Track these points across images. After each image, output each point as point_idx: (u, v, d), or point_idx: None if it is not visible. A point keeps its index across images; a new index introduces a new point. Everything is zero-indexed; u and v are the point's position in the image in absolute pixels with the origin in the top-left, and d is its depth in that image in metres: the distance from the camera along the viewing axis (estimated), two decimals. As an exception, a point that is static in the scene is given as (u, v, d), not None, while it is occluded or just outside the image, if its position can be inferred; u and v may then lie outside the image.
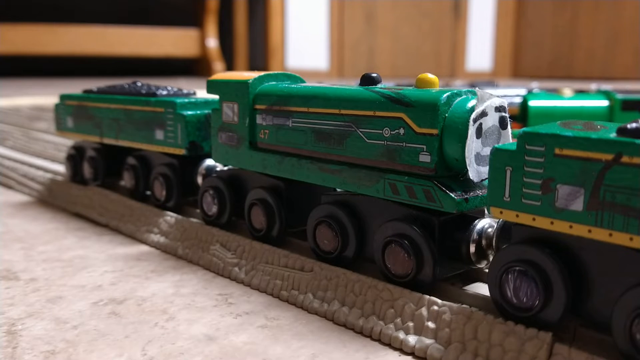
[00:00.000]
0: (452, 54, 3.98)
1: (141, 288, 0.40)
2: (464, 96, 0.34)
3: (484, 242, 0.34)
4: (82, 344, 0.32)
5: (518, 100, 0.84)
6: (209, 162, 0.52)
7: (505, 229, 0.33)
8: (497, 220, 0.34)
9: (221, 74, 0.47)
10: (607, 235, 0.26)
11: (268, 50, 3.45)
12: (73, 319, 0.36)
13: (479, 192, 0.34)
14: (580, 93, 0.84)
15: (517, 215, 0.29)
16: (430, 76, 0.36)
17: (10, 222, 0.57)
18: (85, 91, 0.63)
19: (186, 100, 0.52)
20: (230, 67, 3.42)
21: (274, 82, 0.45)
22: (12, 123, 1.31)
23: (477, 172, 0.33)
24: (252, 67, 3.50)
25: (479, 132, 0.33)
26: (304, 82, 0.46)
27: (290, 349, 0.32)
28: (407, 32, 3.83)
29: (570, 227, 0.27)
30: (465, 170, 0.33)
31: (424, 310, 0.32)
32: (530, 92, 0.89)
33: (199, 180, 0.52)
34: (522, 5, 3.99)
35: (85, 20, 3.05)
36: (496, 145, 0.30)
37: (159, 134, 0.53)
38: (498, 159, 0.30)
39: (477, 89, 0.34)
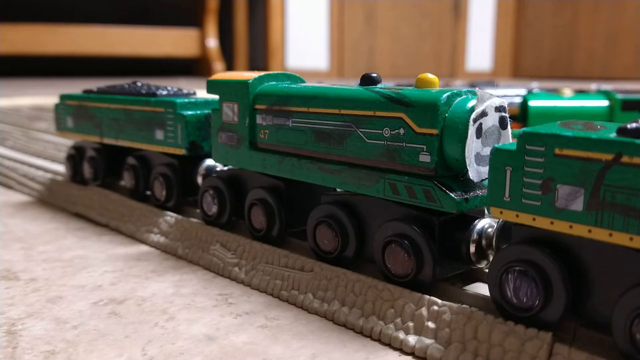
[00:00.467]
0: (452, 54, 3.98)
1: (141, 288, 0.40)
2: (464, 96, 0.34)
3: (484, 242, 0.34)
4: (82, 344, 0.32)
5: (518, 100, 0.84)
6: (209, 162, 0.52)
7: (505, 229, 0.33)
8: (497, 220, 0.34)
9: (221, 74, 0.47)
10: (607, 235, 0.26)
11: (268, 50, 3.45)
12: (73, 319, 0.36)
13: (479, 192, 0.34)
14: (580, 93, 0.84)
15: (517, 215, 0.29)
16: (430, 76, 0.36)
17: (10, 222, 0.57)
18: (85, 91, 0.63)
19: (186, 100, 0.52)
20: (230, 67, 3.41)
21: (274, 82, 0.45)
22: (12, 123, 1.31)
23: (477, 172, 0.33)
24: (252, 67, 3.50)
25: (479, 132, 0.33)
26: (304, 82, 0.46)
27: (290, 349, 0.32)
28: (407, 32, 3.83)
29: (570, 227, 0.27)
30: (465, 170, 0.33)
31: (424, 310, 0.32)
32: (530, 92, 0.89)
33: (199, 180, 0.52)
34: (522, 5, 3.99)
35: (85, 20, 3.05)
36: (496, 145, 0.30)
37: (159, 134, 0.53)
38: (498, 159, 0.30)
39: (477, 89, 0.34)
